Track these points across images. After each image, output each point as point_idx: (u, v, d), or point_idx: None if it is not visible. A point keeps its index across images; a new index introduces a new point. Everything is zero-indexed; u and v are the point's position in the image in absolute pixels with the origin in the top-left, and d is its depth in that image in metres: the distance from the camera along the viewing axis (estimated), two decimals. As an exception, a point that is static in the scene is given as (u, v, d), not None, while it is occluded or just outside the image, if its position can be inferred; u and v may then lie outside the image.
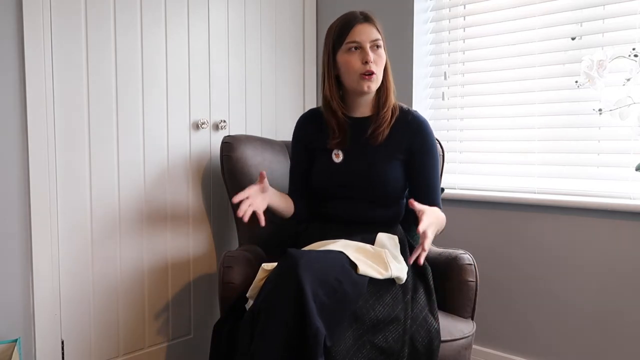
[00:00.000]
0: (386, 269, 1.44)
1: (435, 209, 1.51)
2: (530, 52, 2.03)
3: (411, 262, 1.39)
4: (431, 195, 1.64)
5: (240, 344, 1.31)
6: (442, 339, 1.43)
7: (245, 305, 1.48)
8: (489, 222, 2.11)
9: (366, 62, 1.56)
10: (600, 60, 1.48)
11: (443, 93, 2.27)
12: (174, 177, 2.00)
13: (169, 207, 1.99)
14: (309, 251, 1.39)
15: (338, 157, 1.66)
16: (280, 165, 1.99)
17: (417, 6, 2.25)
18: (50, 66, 1.67)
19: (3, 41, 1.58)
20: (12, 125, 1.61)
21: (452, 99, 2.25)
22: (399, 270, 1.47)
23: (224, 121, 2.12)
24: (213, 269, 2.14)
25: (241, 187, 1.88)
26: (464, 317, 1.61)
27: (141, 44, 1.88)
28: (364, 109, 1.67)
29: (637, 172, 1.57)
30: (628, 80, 1.51)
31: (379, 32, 1.59)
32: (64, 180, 1.72)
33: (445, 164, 1.96)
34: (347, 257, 1.39)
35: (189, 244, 2.06)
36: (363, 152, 1.64)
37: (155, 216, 1.95)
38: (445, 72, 2.26)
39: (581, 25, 1.93)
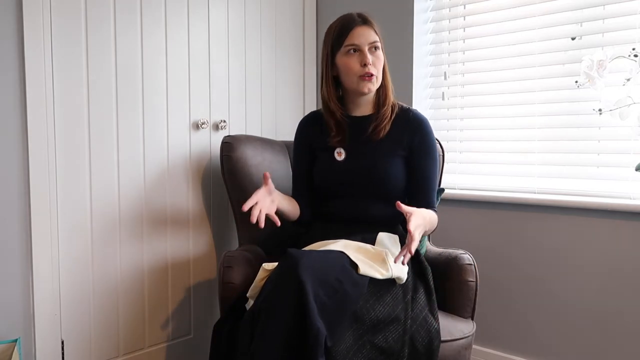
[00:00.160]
0: (387, 269, 1.44)
1: (423, 210, 1.51)
2: (530, 52, 2.03)
3: (395, 262, 1.39)
4: (426, 195, 1.64)
5: (240, 344, 1.31)
6: (442, 339, 1.43)
7: (246, 305, 1.48)
8: (489, 222, 2.11)
9: (365, 65, 1.57)
10: (600, 60, 1.48)
11: (443, 93, 2.27)
12: (174, 177, 2.00)
13: (169, 207, 1.99)
14: (310, 251, 1.39)
15: (340, 155, 1.67)
16: (280, 165, 1.99)
17: (417, 6, 2.25)
18: (50, 66, 1.67)
19: (3, 41, 1.58)
20: (12, 125, 1.61)
21: (452, 99, 2.25)
22: (400, 270, 1.47)
23: (224, 121, 2.12)
24: (213, 269, 2.14)
25: (241, 187, 1.89)
26: (464, 317, 1.61)
27: (141, 44, 1.88)
28: (364, 108, 1.68)
29: (637, 172, 1.57)
30: (628, 80, 1.51)
31: (376, 33, 1.60)
32: (64, 180, 1.72)
33: (445, 164, 1.97)
34: (348, 257, 1.39)
35: (189, 244, 2.06)
36: (365, 149, 1.64)
37: (155, 216, 1.95)
38: (445, 72, 2.26)
39: (581, 25, 1.93)
